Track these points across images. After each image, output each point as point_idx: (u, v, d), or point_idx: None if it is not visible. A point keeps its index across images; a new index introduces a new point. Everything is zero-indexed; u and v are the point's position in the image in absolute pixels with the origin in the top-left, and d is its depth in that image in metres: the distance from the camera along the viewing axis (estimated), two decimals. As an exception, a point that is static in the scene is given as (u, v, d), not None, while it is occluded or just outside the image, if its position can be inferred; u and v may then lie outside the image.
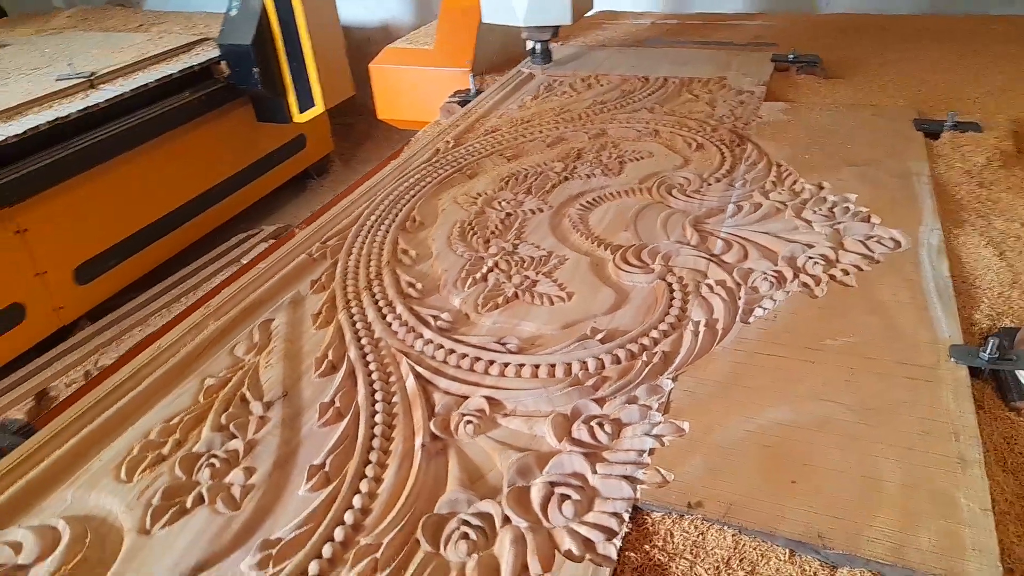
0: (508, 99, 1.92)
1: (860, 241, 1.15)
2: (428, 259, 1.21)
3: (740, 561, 0.68)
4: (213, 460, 0.82)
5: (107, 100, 2.56)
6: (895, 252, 1.13)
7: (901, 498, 0.72)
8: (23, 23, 3.68)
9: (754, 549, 0.69)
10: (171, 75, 2.85)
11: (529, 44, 2.17)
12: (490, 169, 1.51)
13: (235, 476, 0.81)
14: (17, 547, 0.74)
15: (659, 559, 0.70)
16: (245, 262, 3.15)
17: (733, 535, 0.71)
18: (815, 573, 0.67)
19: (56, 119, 2.39)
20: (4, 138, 2.25)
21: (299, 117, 3.27)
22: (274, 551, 0.71)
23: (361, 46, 3.94)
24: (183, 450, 0.85)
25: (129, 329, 2.81)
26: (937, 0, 3.09)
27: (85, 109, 2.48)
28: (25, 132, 2.31)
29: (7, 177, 2.29)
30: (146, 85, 2.73)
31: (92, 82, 2.66)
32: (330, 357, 0.98)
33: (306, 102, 3.22)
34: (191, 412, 0.90)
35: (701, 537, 0.71)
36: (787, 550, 0.69)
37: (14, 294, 2.46)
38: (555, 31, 1.99)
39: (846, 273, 1.08)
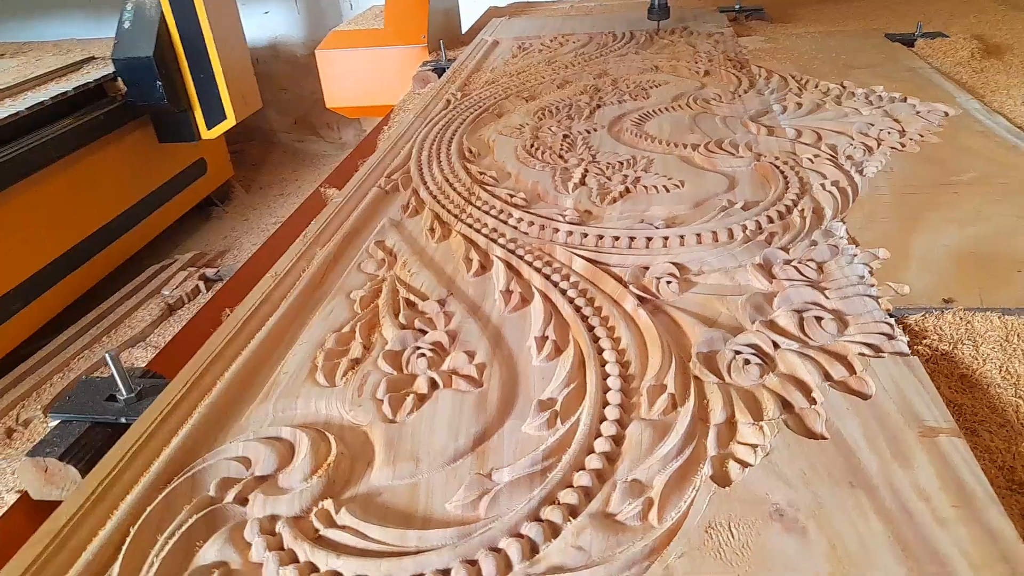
0: (485, 61, 1.89)
1: (914, 114, 1.23)
2: (509, 179, 1.16)
3: (1018, 336, 0.69)
4: (423, 352, 0.73)
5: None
6: (950, 118, 1.21)
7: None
8: None
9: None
10: (66, 92, 2.58)
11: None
12: (515, 108, 1.48)
13: (456, 361, 0.72)
14: (245, 461, 0.62)
15: (943, 348, 0.69)
16: (167, 294, 2.89)
17: (999, 317, 0.71)
18: (1089, 333, 0.69)
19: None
20: None
21: (208, 133, 3.06)
22: (557, 407, 0.64)
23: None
24: (376, 351, 0.75)
25: (49, 377, 2.48)
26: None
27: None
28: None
29: None
30: (42, 103, 2.45)
31: (-23, 102, 2.36)
32: (475, 259, 0.91)
33: (215, 116, 3.02)
34: (359, 320, 0.80)
35: (969, 325, 0.71)
36: (1054, 319, 0.71)
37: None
38: None
39: (922, 136, 1.14)
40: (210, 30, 2.84)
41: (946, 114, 1.23)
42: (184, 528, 0.55)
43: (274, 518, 0.56)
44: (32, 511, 0.72)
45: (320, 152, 4.26)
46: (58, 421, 0.72)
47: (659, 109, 1.39)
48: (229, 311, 0.98)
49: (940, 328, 0.72)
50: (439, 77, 1.92)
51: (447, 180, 1.14)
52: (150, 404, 0.70)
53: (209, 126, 3.05)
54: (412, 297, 0.84)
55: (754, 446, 0.58)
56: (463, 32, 2.59)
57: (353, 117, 2.38)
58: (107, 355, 0.71)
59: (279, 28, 4.03)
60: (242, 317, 0.81)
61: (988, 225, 0.87)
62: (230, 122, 3.03)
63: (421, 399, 0.68)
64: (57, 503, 0.69)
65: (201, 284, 2.91)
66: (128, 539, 0.54)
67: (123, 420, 0.71)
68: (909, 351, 0.67)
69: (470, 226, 0.99)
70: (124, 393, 0.72)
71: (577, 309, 0.79)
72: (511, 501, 0.56)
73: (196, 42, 2.86)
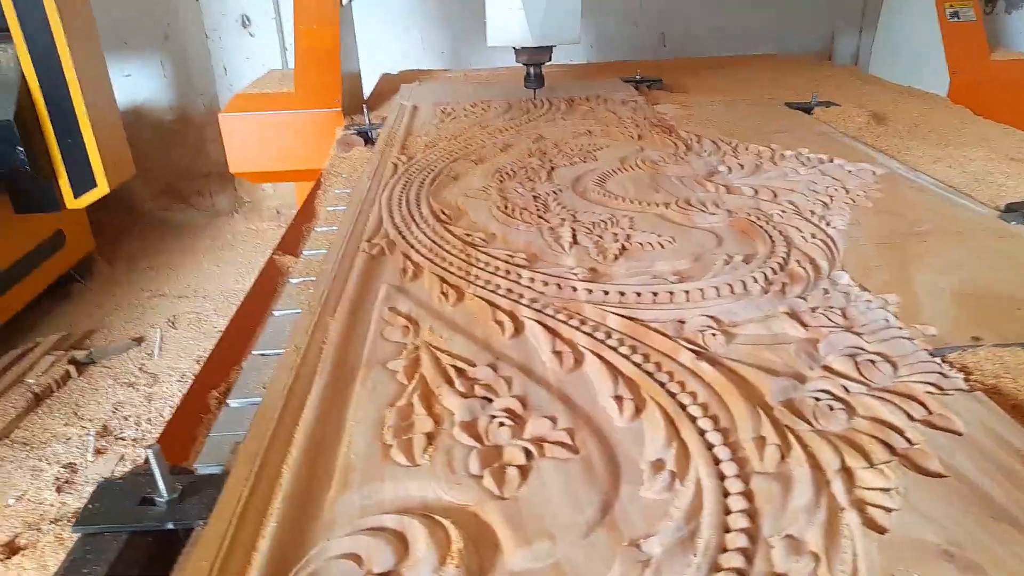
0: (413, 125, 1.88)
1: (848, 173, 1.35)
2: (495, 239, 1.14)
3: (1046, 368, 0.76)
4: (502, 421, 0.69)
5: None
6: (879, 176, 1.34)
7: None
8: None
9: (1046, 357, 0.78)
10: (-92, 158, 2.27)
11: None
12: (468, 171, 1.47)
13: (539, 427, 0.68)
14: (356, 558, 0.54)
15: (989, 383, 0.75)
16: (32, 382, 2.57)
17: (1024, 351, 0.78)
18: (1098, 360, 0.77)
19: None
20: None
21: (75, 202, 2.78)
22: (672, 467, 0.62)
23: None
24: (448, 424, 0.69)
25: None
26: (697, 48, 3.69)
27: None
28: None
29: None
30: None
31: None
32: (505, 320, 0.88)
33: (84, 183, 2.76)
34: (412, 393, 0.74)
35: (1002, 360, 0.77)
36: (1070, 350, 0.78)
37: None
38: (551, 53, 1.92)
39: (865, 193, 1.26)
40: (80, 92, 2.63)
41: (874, 172, 1.35)
42: (322, 646, 0.47)
43: (422, 620, 0.49)
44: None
45: (190, 221, 3.99)
46: (80, 536, 0.61)
47: (613, 170, 1.44)
48: (217, 393, 0.89)
49: (979, 365, 0.77)
50: (364, 141, 1.88)
51: (435, 243, 1.10)
52: (202, 504, 0.61)
53: (77, 194, 2.78)
54: (459, 364, 0.79)
55: (886, 490, 0.59)
56: (366, 98, 2.56)
57: (257, 183, 2.26)
58: (149, 451, 0.60)
59: (143, 92, 3.79)
60: (281, 394, 0.72)
61: (968, 270, 0.96)
62: (102, 190, 2.78)
63: (524, 471, 0.63)
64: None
65: (72, 369, 2.60)
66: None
67: (170, 526, 0.60)
68: (968, 387, 0.72)
69: (483, 287, 0.96)
70: (165, 495, 0.62)
71: (637, 366, 0.77)
72: (671, 571, 0.53)
73: (63, 104, 2.64)
